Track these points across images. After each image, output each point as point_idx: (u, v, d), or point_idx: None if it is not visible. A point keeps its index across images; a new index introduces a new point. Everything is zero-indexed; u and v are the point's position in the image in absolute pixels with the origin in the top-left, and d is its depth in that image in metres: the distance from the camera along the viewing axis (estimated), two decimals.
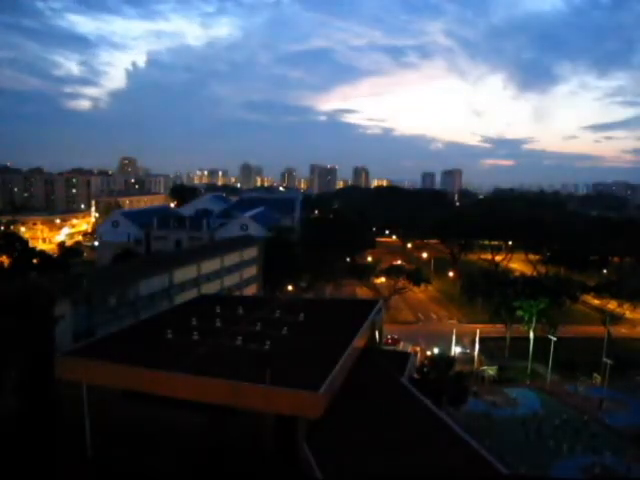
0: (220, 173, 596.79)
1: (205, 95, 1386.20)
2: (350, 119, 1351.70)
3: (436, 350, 68.20)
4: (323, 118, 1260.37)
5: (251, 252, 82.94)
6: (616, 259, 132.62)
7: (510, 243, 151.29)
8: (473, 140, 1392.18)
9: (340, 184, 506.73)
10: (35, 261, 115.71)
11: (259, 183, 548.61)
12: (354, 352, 42.20)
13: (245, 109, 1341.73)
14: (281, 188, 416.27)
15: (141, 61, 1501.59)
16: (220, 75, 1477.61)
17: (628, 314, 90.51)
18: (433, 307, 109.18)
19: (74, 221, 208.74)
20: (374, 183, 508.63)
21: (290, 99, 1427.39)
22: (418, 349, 72.08)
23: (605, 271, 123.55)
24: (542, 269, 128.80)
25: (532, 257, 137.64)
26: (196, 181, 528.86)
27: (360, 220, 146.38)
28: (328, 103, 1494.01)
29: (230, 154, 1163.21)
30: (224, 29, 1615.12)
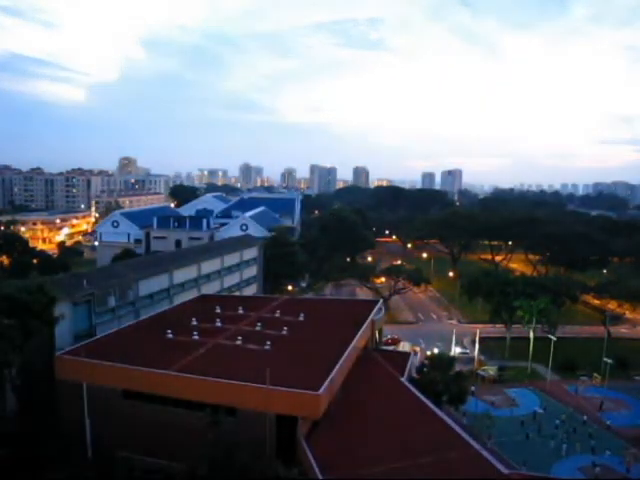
0: (220, 173, 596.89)
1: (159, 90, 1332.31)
2: (322, 118, 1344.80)
3: (436, 350, 68.15)
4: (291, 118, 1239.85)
5: (251, 252, 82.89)
6: (616, 259, 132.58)
7: (510, 243, 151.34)
8: (466, 137, 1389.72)
9: (340, 184, 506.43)
10: (35, 261, 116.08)
11: (259, 183, 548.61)
12: (354, 352, 42.21)
13: (220, 107, 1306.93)
14: (282, 189, 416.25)
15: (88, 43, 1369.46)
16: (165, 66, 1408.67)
17: (628, 314, 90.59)
18: (433, 307, 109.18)
19: (74, 221, 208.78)
20: (374, 183, 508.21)
21: (257, 96, 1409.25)
22: (418, 349, 72.07)
23: (605, 271, 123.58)
24: (542, 269, 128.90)
25: (532, 257, 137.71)
26: (196, 181, 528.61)
27: (360, 220, 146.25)
28: (293, 97, 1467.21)
29: (230, 154, 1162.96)
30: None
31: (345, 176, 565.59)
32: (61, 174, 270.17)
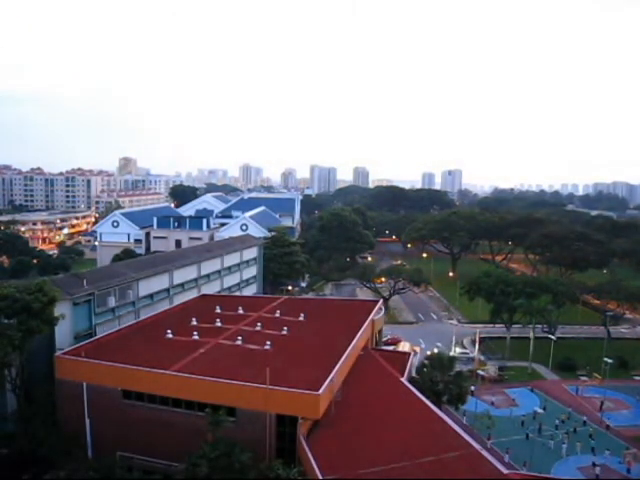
0: (220, 173, 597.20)
1: None
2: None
3: (436, 350, 68.17)
4: None
5: (251, 252, 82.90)
6: (616, 259, 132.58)
7: (510, 243, 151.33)
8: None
9: (340, 184, 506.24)
10: (35, 261, 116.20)
11: (259, 183, 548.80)
12: (354, 352, 42.21)
13: None
14: (282, 189, 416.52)
15: None
16: None
17: (628, 314, 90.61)
18: (433, 307, 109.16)
19: (74, 221, 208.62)
20: (374, 183, 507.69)
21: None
22: (418, 349, 72.03)
23: (605, 271, 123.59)
24: (542, 269, 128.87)
25: (532, 257, 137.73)
26: (196, 181, 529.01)
27: (360, 220, 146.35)
28: None
29: (230, 154, 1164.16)
30: None
31: (345, 176, 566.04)
32: (61, 174, 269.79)
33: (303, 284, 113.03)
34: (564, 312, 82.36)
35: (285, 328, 45.39)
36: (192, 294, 62.42)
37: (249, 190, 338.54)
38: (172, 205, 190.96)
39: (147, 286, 54.72)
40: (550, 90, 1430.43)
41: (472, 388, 57.31)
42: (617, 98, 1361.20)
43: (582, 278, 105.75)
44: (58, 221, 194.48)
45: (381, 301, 63.13)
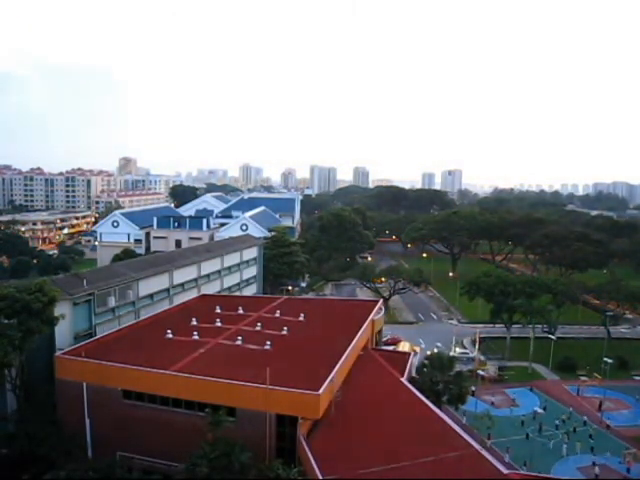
0: (220, 173, 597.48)
1: None
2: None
3: (436, 350, 68.15)
4: None
5: (251, 252, 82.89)
6: (616, 259, 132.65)
7: (510, 243, 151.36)
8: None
9: (340, 184, 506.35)
10: (35, 261, 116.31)
11: (259, 183, 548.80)
12: (354, 352, 42.22)
13: None
14: (282, 189, 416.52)
15: None
16: None
17: (628, 314, 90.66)
18: (433, 307, 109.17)
19: (74, 221, 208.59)
20: (374, 183, 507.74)
21: None
22: (418, 349, 72.01)
23: (605, 271, 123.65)
24: (542, 269, 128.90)
25: (532, 257, 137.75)
26: (196, 181, 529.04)
27: (360, 220, 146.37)
28: None
29: (230, 154, 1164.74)
30: None
31: (345, 176, 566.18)
32: (61, 174, 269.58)
33: (303, 284, 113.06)
34: (564, 312, 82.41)
35: (285, 328, 45.41)
36: (192, 294, 62.42)
37: (249, 190, 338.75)
38: (172, 205, 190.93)
39: (147, 286, 54.72)
40: (550, 90, 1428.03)
41: (472, 388, 57.33)
42: (617, 98, 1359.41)
43: (582, 278, 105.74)
44: (58, 221, 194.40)
45: (381, 301, 63.13)
